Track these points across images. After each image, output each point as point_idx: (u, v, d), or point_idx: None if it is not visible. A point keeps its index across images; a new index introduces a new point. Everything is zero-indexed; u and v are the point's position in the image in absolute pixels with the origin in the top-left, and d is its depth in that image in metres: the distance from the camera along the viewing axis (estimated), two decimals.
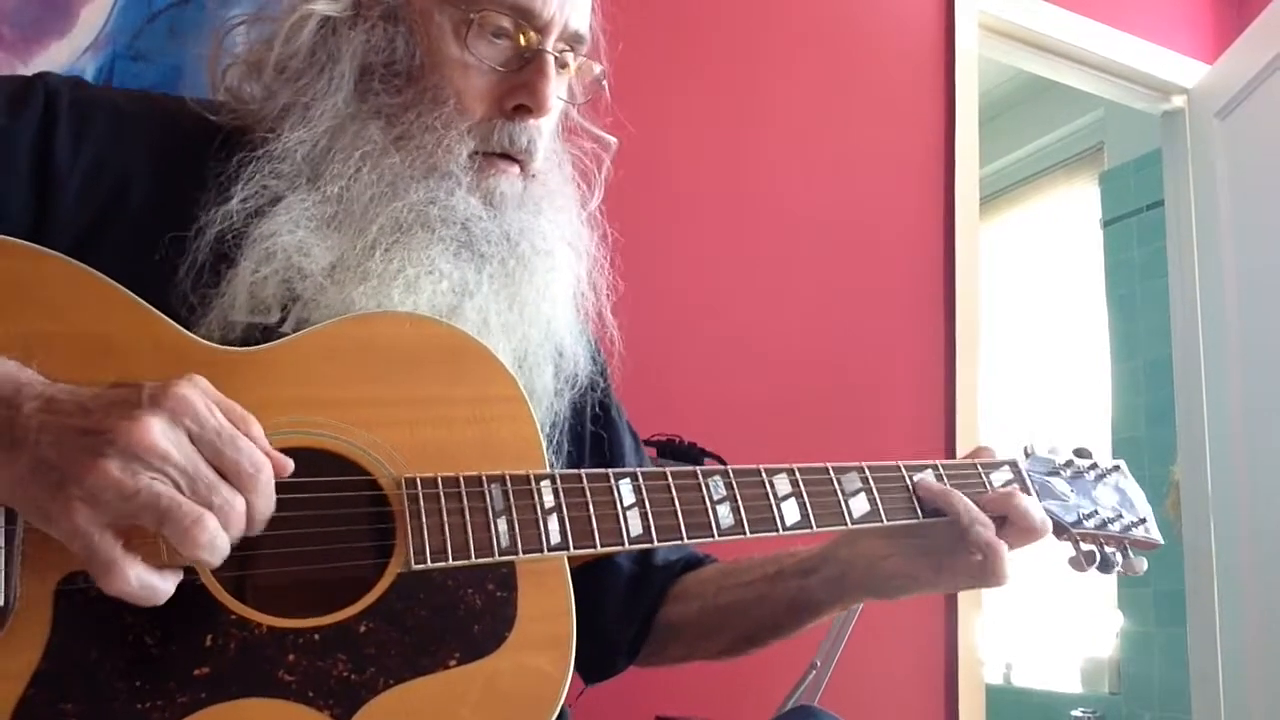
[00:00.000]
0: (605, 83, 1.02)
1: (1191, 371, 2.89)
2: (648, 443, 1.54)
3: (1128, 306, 3.97)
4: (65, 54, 1.62)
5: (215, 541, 0.62)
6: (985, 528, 0.92)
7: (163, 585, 0.62)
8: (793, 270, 2.30)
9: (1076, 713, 3.83)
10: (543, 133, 0.94)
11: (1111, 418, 3.99)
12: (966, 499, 0.93)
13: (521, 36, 0.91)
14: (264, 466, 0.65)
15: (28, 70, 1.56)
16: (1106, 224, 4.12)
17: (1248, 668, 2.58)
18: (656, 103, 2.19)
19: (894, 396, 2.38)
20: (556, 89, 0.93)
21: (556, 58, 0.93)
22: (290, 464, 0.69)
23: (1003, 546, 0.92)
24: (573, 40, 0.95)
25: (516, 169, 0.93)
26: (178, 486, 0.61)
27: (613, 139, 1.08)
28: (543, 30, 0.91)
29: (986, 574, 0.92)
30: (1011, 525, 0.93)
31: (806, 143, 2.38)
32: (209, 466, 0.63)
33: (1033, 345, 4.46)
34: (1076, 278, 4.30)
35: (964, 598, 2.34)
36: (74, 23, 1.63)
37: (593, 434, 1.08)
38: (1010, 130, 4.49)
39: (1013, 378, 4.39)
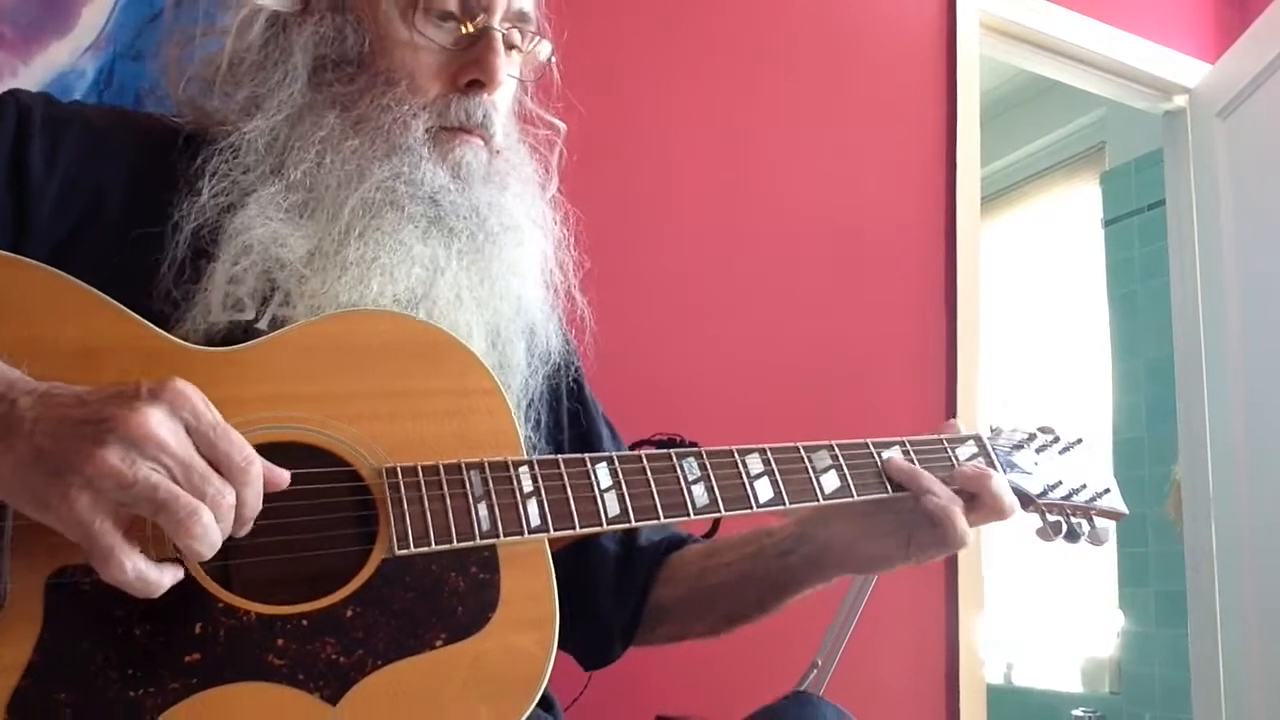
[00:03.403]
0: (554, 62, 1.04)
1: (1193, 371, 2.89)
2: (647, 442, 1.55)
3: (1129, 306, 3.97)
4: (65, 54, 1.62)
5: (209, 534, 0.63)
6: (936, 496, 0.94)
7: (159, 578, 0.63)
8: (793, 270, 2.30)
9: (1077, 712, 3.82)
10: (498, 108, 0.96)
11: (1113, 417, 3.99)
12: (930, 475, 0.95)
13: (467, 17, 0.93)
14: (255, 460, 0.66)
15: (28, 70, 1.57)
16: (1108, 223, 4.12)
17: (1249, 668, 2.57)
18: (657, 102, 2.19)
19: (894, 396, 2.38)
20: (507, 66, 0.95)
21: (504, 35, 0.95)
22: (286, 475, 0.70)
23: (955, 513, 0.93)
24: (517, 19, 0.97)
25: (479, 140, 0.95)
26: (173, 477, 0.62)
27: (562, 124, 1.11)
28: (487, 9, 0.94)
29: (945, 543, 0.94)
30: (981, 505, 0.96)
31: (807, 142, 2.38)
32: (203, 459, 0.64)
33: (1034, 345, 4.45)
34: (1078, 277, 4.30)
35: (964, 598, 2.33)
36: (74, 22, 1.63)
37: (570, 409, 1.11)
38: (1011, 130, 4.49)
39: (1014, 378, 4.38)
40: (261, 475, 0.67)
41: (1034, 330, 4.47)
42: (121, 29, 1.66)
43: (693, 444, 1.74)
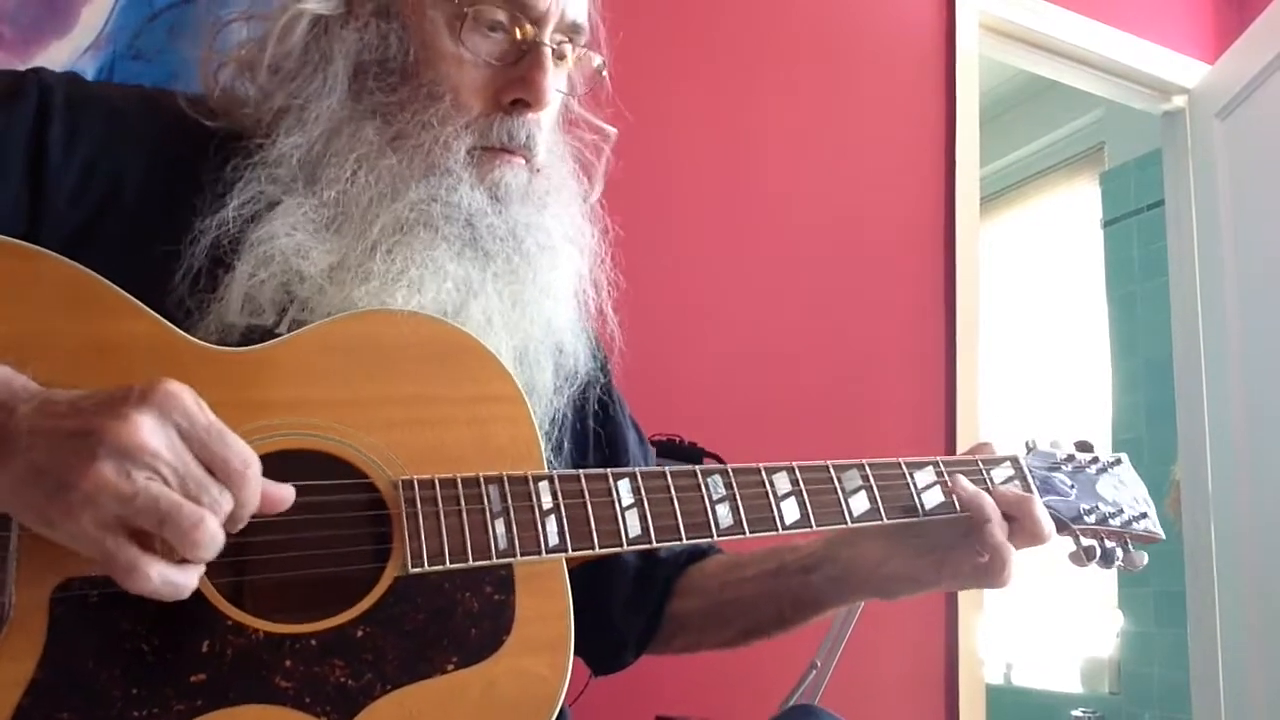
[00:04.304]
0: (605, 73, 0.99)
1: (1192, 371, 2.89)
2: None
3: (1128, 306, 3.97)
4: (65, 54, 1.62)
5: (214, 541, 0.61)
6: (1001, 529, 0.91)
7: (185, 580, 0.62)
8: (793, 270, 2.30)
9: (1076, 713, 3.83)
10: (542, 126, 0.92)
11: (1112, 417, 3.99)
12: (995, 505, 0.92)
13: (517, 29, 0.89)
14: (253, 462, 0.64)
15: None
16: (1107, 224, 4.12)
17: (1248, 668, 2.57)
18: (657, 105, 2.18)
19: (894, 396, 2.38)
20: (555, 82, 0.91)
21: (554, 49, 0.91)
22: (290, 493, 0.68)
23: (1009, 550, 0.91)
24: (570, 31, 0.93)
25: (520, 160, 0.91)
26: (170, 485, 0.60)
27: (613, 130, 1.06)
28: (539, 22, 0.90)
29: (991, 575, 0.92)
30: (1019, 529, 0.93)
31: (808, 142, 2.38)
32: (198, 464, 0.62)
33: (1033, 345, 4.45)
34: (1077, 277, 4.30)
35: (964, 598, 2.34)
36: (74, 22, 1.63)
37: (594, 431, 1.07)
38: (1011, 130, 4.49)
39: (1013, 378, 4.38)
40: (260, 476, 0.65)
41: (1033, 330, 4.47)
42: (121, 29, 1.66)
43: (692, 444, 1.75)
